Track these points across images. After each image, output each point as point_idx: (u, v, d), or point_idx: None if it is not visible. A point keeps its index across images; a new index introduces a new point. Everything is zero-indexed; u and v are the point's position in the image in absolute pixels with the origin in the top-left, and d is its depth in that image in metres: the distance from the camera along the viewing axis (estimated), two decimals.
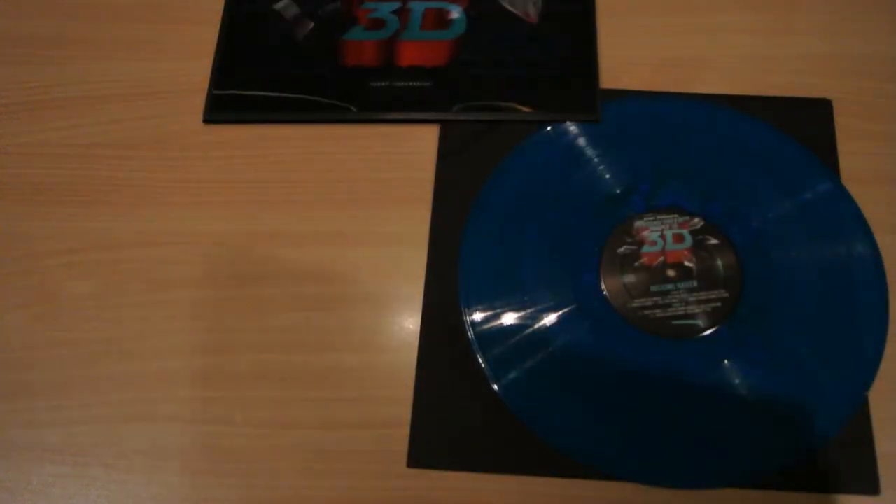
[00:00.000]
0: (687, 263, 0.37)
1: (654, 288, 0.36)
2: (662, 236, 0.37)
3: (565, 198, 0.39)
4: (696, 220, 0.37)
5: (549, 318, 0.36)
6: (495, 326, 0.36)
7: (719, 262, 0.37)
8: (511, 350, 0.36)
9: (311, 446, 0.35)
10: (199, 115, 0.42)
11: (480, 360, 0.35)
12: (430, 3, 0.44)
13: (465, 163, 0.40)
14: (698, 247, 0.37)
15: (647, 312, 0.36)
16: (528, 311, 0.36)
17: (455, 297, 0.37)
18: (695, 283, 0.36)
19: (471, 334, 0.36)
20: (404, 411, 0.35)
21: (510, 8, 0.44)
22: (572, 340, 0.36)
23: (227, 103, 0.42)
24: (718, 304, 0.36)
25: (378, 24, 0.43)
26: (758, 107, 0.41)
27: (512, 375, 0.35)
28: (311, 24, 0.44)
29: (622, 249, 0.37)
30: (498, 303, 0.37)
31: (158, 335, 0.37)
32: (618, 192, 0.39)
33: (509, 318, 0.36)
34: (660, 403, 0.34)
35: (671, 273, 0.36)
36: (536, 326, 0.36)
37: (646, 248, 0.37)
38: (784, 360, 0.35)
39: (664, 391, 0.35)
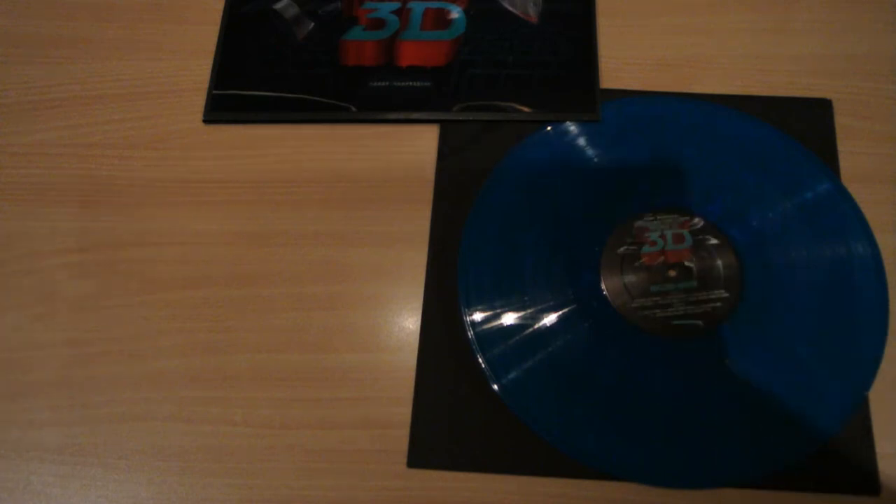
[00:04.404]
0: (687, 263, 0.37)
1: (654, 288, 0.36)
2: (662, 236, 0.37)
3: (565, 198, 0.39)
4: (696, 220, 0.37)
5: (549, 318, 0.36)
6: (495, 326, 0.36)
7: (719, 262, 0.37)
8: (511, 350, 0.36)
9: (311, 446, 0.35)
10: (199, 115, 0.42)
11: (480, 360, 0.35)
12: (430, 3, 0.44)
13: (465, 163, 0.40)
14: (698, 247, 0.37)
15: (647, 312, 0.36)
16: (528, 311, 0.36)
17: (455, 297, 0.37)
18: (695, 283, 0.36)
19: (471, 334, 0.36)
20: (404, 411, 0.35)
21: (510, 8, 0.44)
22: (572, 340, 0.36)
23: (227, 103, 0.42)
24: (718, 304, 0.36)
25: (378, 24, 0.43)
26: (758, 107, 0.41)
27: (512, 375, 0.35)
28: (311, 24, 0.44)
29: (622, 249, 0.37)
30: (498, 303, 0.36)
31: (158, 335, 0.37)
32: (618, 192, 0.39)
33: (509, 318, 0.36)
34: (660, 403, 0.34)
35: (671, 273, 0.36)
36: (536, 326, 0.36)
37: (646, 248, 0.37)
38: (784, 360, 0.35)
39: (664, 391, 0.35)
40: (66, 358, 0.37)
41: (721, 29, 0.43)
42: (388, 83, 0.42)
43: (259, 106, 0.41)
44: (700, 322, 0.35)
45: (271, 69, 0.42)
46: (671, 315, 0.36)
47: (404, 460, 0.34)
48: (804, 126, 0.40)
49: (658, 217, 0.38)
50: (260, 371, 0.36)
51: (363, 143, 0.41)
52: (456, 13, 0.43)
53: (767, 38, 0.43)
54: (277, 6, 0.44)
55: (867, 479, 0.33)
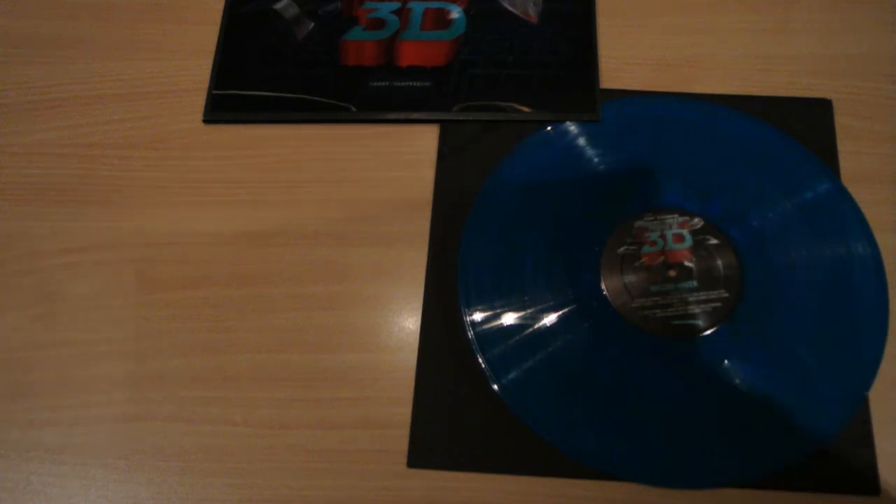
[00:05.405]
0: (687, 263, 0.37)
1: (654, 288, 0.36)
2: (662, 236, 0.37)
3: (565, 198, 0.39)
4: (696, 220, 0.37)
5: (549, 318, 0.36)
6: (495, 326, 0.36)
7: (719, 262, 0.37)
8: (511, 350, 0.36)
9: (311, 446, 0.35)
10: (199, 115, 0.42)
11: (480, 360, 0.35)
12: (430, 3, 0.44)
13: (465, 163, 0.40)
14: (698, 247, 0.37)
15: (647, 312, 0.36)
16: (528, 311, 0.36)
17: (455, 297, 0.37)
18: (695, 283, 0.36)
19: (471, 334, 0.36)
20: (404, 411, 0.35)
21: (510, 8, 0.44)
22: (572, 340, 0.36)
23: (227, 103, 0.42)
24: (718, 304, 0.36)
25: (378, 24, 0.43)
26: (758, 107, 0.41)
27: (512, 375, 0.35)
28: (311, 24, 0.44)
29: (622, 249, 0.37)
30: (498, 303, 0.36)
31: (158, 335, 0.37)
32: (618, 192, 0.39)
33: (509, 318, 0.36)
34: (660, 403, 0.34)
35: (671, 273, 0.36)
36: (536, 326, 0.36)
37: (646, 248, 0.37)
38: (784, 360, 0.35)
39: (664, 391, 0.35)
40: (66, 358, 0.37)
41: (721, 29, 0.43)
42: (388, 83, 0.42)
43: (259, 106, 0.41)
44: (700, 322, 0.35)
45: (271, 69, 0.42)
46: (671, 315, 0.36)
47: (404, 460, 0.34)
48: (804, 126, 0.40)
49: (658, 217, 0.38)
50: (260, 371, 0.36)
51: (363, 143, 0.41)
52: (456, 13, 0.43)
53: (767, 38, 0.43)
54: (277, 6, 0.44)
55: (867, 480, 0.33)
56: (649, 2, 0.44)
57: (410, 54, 0.42)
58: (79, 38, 0.45)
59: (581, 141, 0.40)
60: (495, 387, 0.35)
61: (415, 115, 0.41)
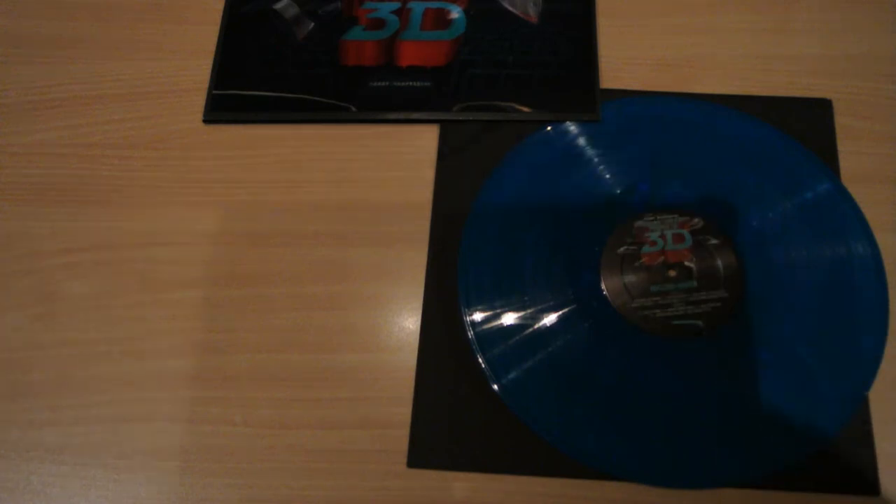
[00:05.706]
0: (687, 263, 0.37)
1: (654, 288, 0.36)
2: (662, 236, 0.37)
3: (565, 198, 0.39)
4: (696, 220, 0.37)
5: (549, 318, 0.36)
6: (495, 326, 0.36)
7: (719, 262, 0.36)
8: (511, 350, 0.36)
9: (311, 446, 0.35)
10: (199, 115, 0.42)
11: (480, 360, 0.35)
12: (430, 3, 0.44)
13: (465, 163, 0.40)
14: (698, 247, 0.37)
15: (647, 312, 0.36)
16: (528, 311, 0.36)
17: (455, 297, 0.37)
18: (695, 283, 0.36)
19: (471, 334, 0.36)
20: (404, 411, 0.35)
21: (510, 8, 0.44)
22: (572, 340, 0.36)
23: (227, 103, 0.42)
24: (718, 304, 0.36)
25: (378, 24, 0.43)
26: (758, 107, 0.41)
27: (512, 375, 0.35)
28: (311, 24, 0.44)
29: (622, 249, 0.37)
30: (498, 303, 0.36)
31: (158, 335, 0.37)
32: (618, 192, 0.39)
33: (509, 318, 0.36)
34: (660, 403, 0.34)
35: (671, 273, 0.36)
36: (536, 326, 0.36)
37: (646, 248, 0.37)
38: (784, 360, 0.35)
39: (664, 391, 0.35)
40: (66, 358, 0.37)
41: (721, 29, 0.43)
42: (388, 83, 0.42)
43: (259, 106, 0.41)
44: (700, 322, 0.35)
45: (271, 69, 0.42)
46: (671, 315, 0.36)
47: (404, 460, 0.34)
48: (804, 126, 0.40)
49: (658, 217, 0.38)
50: (260, 371, 0.36)
51: (363, 143, 0.41)
52: (456, 13, 0.43)
53: (767, 38, 0.43)
54: (277, 6, 0.44)
55: (867, 480, 0.33)
56: (649, 2, 0.44)
57: (410, 54, 0.42)
58: (79, 38, 0.45)
59: (581, 141, 0.40)
60: (495, 387, 0.35)
61: (415, 115, 0.41)
